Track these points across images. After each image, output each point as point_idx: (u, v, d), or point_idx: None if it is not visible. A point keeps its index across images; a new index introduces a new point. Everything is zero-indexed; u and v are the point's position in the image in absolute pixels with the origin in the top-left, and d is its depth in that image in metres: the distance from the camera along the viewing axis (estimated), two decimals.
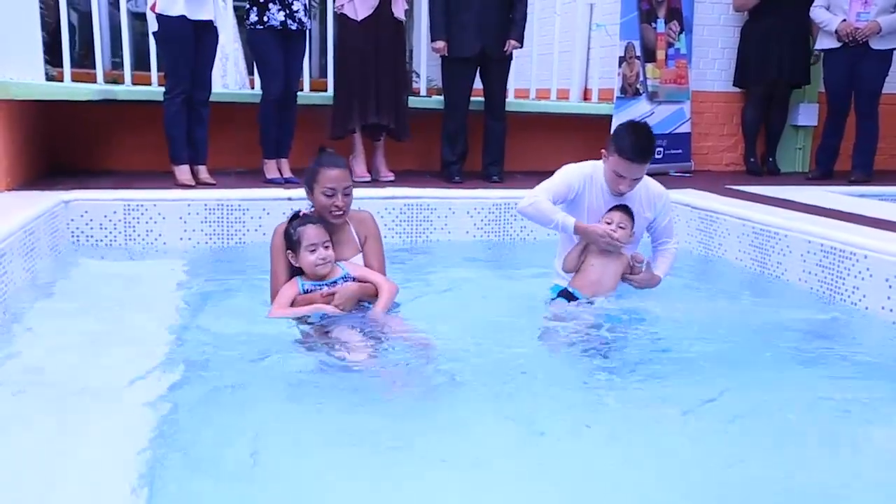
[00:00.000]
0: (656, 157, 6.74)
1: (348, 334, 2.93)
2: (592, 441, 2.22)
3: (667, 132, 6.86)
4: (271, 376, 2.63)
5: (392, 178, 5.76)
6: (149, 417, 2.25)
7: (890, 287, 3.50)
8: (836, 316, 3.66)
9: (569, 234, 3.41)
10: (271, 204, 4.82)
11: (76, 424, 2.20)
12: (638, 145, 3.28)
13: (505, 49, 5.83)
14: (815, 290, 3.94)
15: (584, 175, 3.49)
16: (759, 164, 7.14)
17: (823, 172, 6.64)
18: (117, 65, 7.46)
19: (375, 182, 5.66)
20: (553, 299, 3.47)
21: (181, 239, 4.64)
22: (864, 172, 6.43)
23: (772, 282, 4.24)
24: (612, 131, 3.33)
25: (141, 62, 6.43)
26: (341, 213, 3.16)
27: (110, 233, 4.55)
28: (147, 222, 4.60)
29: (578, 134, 6.94)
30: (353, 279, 3.16)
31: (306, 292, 3.10)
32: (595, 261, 3.43)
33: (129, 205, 4.58)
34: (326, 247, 3.07)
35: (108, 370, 2.61)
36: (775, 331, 3.36)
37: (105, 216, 4.54)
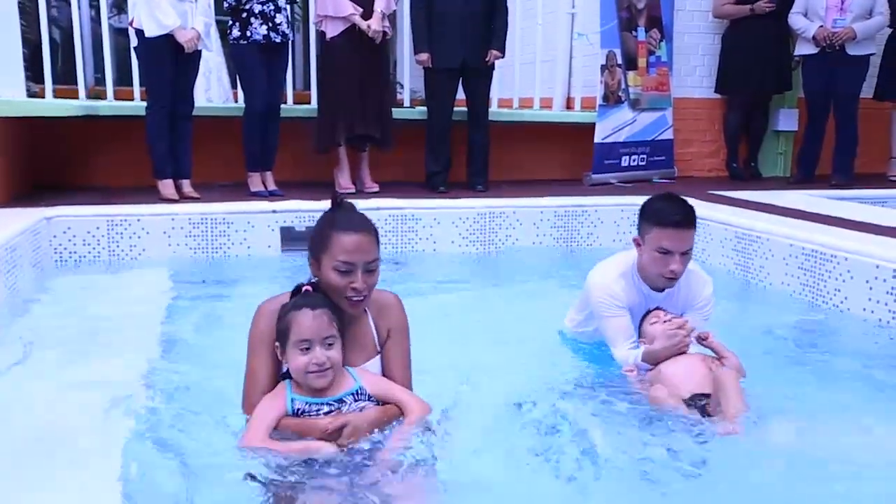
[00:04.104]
0: (640, 163, 6.83)
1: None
2: None
3: (649, 139, 6.91)
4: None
5: (377, 189, 5.78)
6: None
7: (870, 289, 3.54)
8: (818, 318, 3.70)
9: (644, 368, 2.71)
10: (256, 217, 4.82)
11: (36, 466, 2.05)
12: (677, 208, 2.74)
13: (487, 59, 5.87)
14: (797, 293, 3.98)
15: (621, 284, 2.86)
16: (742, 170, 7.21)
17: (805, 176, 6.70)
18: (100, 80, 7.43)
19: (360, 193, 5.66)
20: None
21: (165, 254, 4.62)
22: (845, 176, 6.49)
23: (755, 286, 4.27)
24: (640, 212, 2.85)
25: (124, 77, 6.41)
26: (361, 299, 2.15)
27: (94, 248, 4.52)
28: (131, 237, 4.58)
29: (562, 142, 7.01)
30: (370, 398, 2.15)
31: (297, 413, 2.09)
32: (668, 367, 2.61)
33: (112, 220, 4.56)
34: (329, 345, 2.07)
35: (79, 407, 2.43)
36: (759, 335, 3.39)
37: (88, 232, 4.51)
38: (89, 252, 4.52)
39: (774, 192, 5.91)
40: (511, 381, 2.66)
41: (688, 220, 2.73)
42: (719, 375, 2.39)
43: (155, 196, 5.11)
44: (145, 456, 2.08)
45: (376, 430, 2.11)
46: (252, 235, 4.79)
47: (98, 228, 4.53)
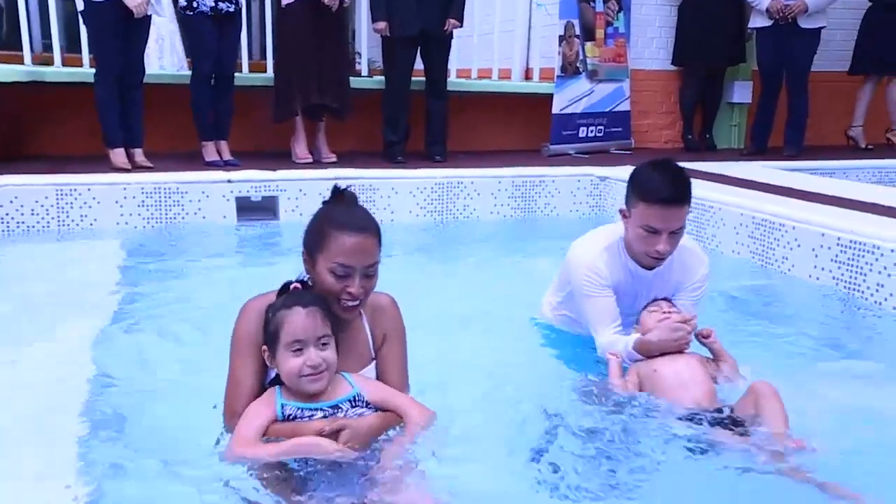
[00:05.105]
0: (597, 134, 6.87)
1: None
2: None
3: (606, 110, 6.95)
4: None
5: (334, 159, 5.73)
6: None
7: (816, 256, 3.64)
8: (766, 284, 3.81)
9: (633, 358, 2.45)
10: (211, 187, 4.76)
11: None
12: (667, 181, 2.41)
13: (445, 28, 5.83)
14: (747, 260, 4.07)
15: (605, 258, 2.58)
16: (697, 141, 7.31)
17: (758, 148, 6.82)
18: (49, 47, 7.21)
19: (317, 163, 5.61)
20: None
21: (118, 223, 4.54)
22: (796, 147, 6.63)
23: (706, 252, 4.34)
24: (629, 179, 2.54)
25: (73, 44, 6.23)
26: (356, 303, 2.01)
27: (42, 218, 4.43)
28: (81, 207, 4.49)
29: (521, 113, 7.02)
30: (367, 404, 1.99)
31: (288, 418, 1.92)
32: (666, 368, 2.35)
33: (61, 189, 4.46)
34: (324, 346, 1.92)
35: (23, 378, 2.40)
36: (709, 299, 3.44)
37: (36, 201, 4.41)
38: (38, 222, 4.42)
39: (728, 163, 6.01)
40: (485, 372, 2.49)
41: (679, 195, 2.39)
42: (759, 389, 2.09)
43: (106, 165, 5.00)
44: (97, 461, 1.90)
45: (374, 438, 1.93)
46: (207, 205, 4.73)
47: (47, 198, 4.43)
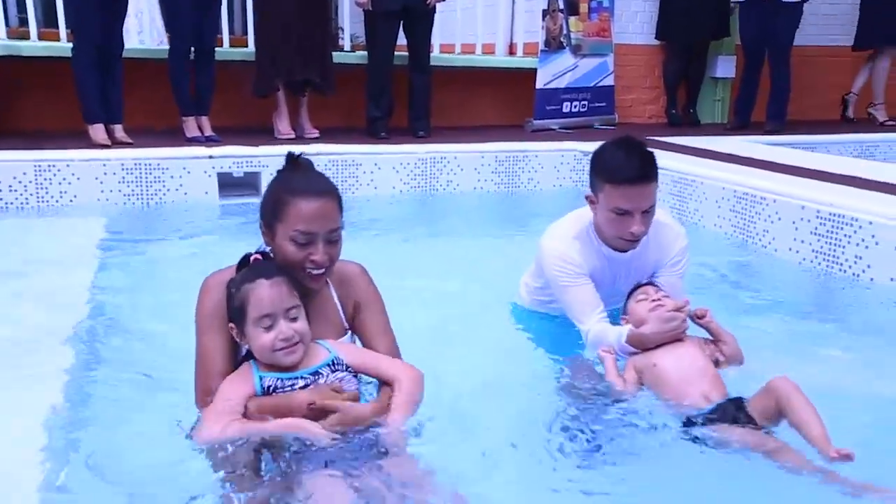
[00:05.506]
0: (581, 109, 6.86)
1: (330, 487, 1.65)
2: None
3: (590, 85, 6.94)
4: None
5: (317, 135, 5.69)
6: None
7: (796, 229, 3.67)
8: (748, 258, 3.84)
9: (627, 352, 2.32)
10: (192, 163, 4.73)
11: None
12: (631, 159, 2.34)
13: (427, 2, 5.78)
14: (728, 233, 4.10)
15: (577, 247, 2.50)
16: (681, 116, 7.32)
17: (741, 123, 6.84)
18: (25, 21, 7.08)
19: (300, 139, 5.58)
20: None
21: (98, 200, 4.50)
22: (778, 122, 6.65)
23: (690, 227, 4.37)
24: (590, 164, 2.48)
25: (50, 19, 6.12)
26: (322, 272, 1.91)
27: (21, 195, 4.37)
28: (60, 183, 4.44)
29: (504, 88, 7.00)
30: (348, 368, 1.92)
31: (268, 390, 1.83)
32: (665, 361, 2.21)
33: (40, 165, 4.41)
34: (294, 318, 1.83)
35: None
36: (691, 273, 3.46)
37: (14, 178, 4.36)
38: (16, 199, 4.37)
39: (711, 137, 6.03)
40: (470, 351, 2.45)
41: (645, 172, 2.33)
42: (780, 387, 1.91)
43: (86, 141, 4.95)
44: (71, 459, 1.77)
45: (362, 425, 1.80)
46: (188, 181, 4.70)
47: (25, 174, 4.38)
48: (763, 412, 1.93)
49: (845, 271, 3.41)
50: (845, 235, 3.42)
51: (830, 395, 2.13)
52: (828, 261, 3.50)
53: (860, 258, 3.35)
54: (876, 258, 3.27)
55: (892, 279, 3.19)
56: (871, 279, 3.29)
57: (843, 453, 1.71)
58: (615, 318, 2.49)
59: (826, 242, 3.51)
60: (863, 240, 3.34)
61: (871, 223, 3.31)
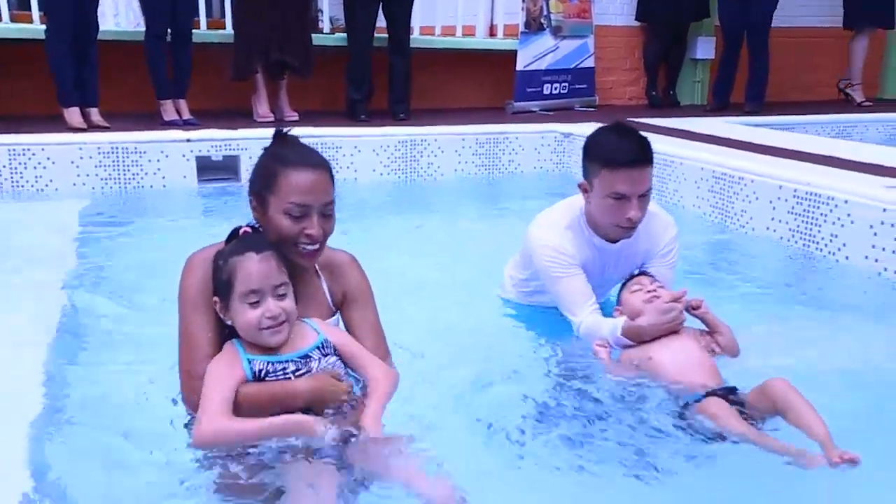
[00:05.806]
0: (562, 91, 6.86)
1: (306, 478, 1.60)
2: None
3: (571, 67, 6.93)
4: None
5: (296, 118, 5.65)
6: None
7: (773, 209, 3.70)
8: (726, 238, 3.87)
9: (622, 345, 2.27)
10: (170, 146, 4.68)
11: None
12: (628, 142, 2.32)
13: None
14: (707, 214, 4.13)
15: (569, 237, 2.46)
16: (661, 97, 7.33)
17: (720, 104, 6.86)
18: None
19: (279, 122, 5.54)
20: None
21: (74, 185, 4.46)
22: (757, 103, 6.68)
23: (668, 207, 4.39)
24: (583, 151, 2.43)
25: (23, 1, 6.02)
26: (316, 247, 1.86)
27: None
28: (35, 168, 4.39)
29: (485, 70, 6.97)
30: (335, 351, 1.87)
31: (259, 377, 1.77)
32: (662, 353, 2.17)
33: (14, 150, 4.35)
34: (281, 296, 1.78)
35: None
36: None
37: None
38: None
39: (691, 118, 6.05)
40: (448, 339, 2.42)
41: (643, 155, 2.29)
42: (777, 386, 1.86)
43: (61, 125, 4.88)
44: (52, 460, 1.70)
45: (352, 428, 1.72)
46: (166, 166, 4.65)
47: None
48: (757, 407, 1.90)
49: (821, 250, 3.45)
50: (822, 214, 3.45)
51: (806, 371, 2.16)
52: (804, 239, 3.54)
53: (836, 236, 3.38)
54: (851, 237, 3.30)
55: (866, 257, 3.23)
56: (847, 257, 3.32)
57: (848, 457, 1.64)
58: (604, 309, 2.48)
59: (803, 221, 3.55)
60: (838, 219, 3.37)
61: (846, 202, 3.34)
